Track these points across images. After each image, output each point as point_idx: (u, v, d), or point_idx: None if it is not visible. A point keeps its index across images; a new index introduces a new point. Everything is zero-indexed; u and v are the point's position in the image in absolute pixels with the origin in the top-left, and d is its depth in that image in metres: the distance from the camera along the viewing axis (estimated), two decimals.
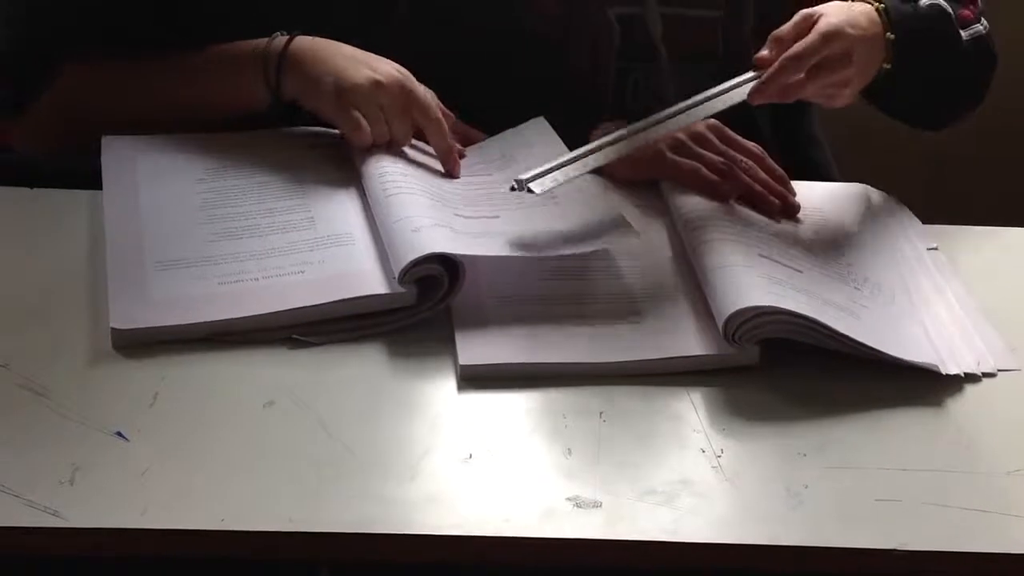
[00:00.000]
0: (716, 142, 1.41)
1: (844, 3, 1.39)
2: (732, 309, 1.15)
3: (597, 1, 1.52)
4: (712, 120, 1.42)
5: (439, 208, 1.27)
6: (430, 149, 1.38)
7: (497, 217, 1.29)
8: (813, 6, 1.38)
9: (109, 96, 1.40)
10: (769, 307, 1.15)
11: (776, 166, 1.42)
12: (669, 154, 1.39)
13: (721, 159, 1.39)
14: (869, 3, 1.40)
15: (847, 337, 1.16)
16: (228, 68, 1.40)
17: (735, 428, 1.11)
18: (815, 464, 1.07)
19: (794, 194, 1.40)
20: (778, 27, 1.37)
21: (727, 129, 1.43)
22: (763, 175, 1.40)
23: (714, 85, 1.36)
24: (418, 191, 1.28)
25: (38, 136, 1.42)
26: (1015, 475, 1.08)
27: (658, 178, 1.41)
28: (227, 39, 1.40)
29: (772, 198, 1.37)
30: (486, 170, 1.38)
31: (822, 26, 1.33)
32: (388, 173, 1.30)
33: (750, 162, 1.40)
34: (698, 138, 1.41)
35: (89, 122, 1.36)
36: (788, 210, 1.38)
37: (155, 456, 1.03)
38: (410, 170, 1.33)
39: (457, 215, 1.27)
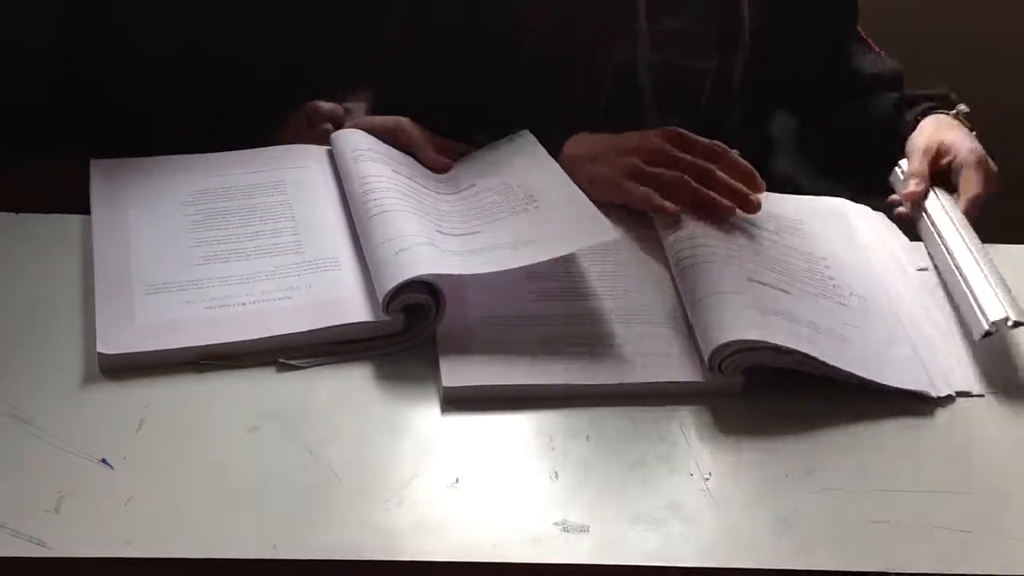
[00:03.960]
0: (675, 152, 1.37)
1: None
2: (719, 342, 1.14)
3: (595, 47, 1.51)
4: (671, 128, 1.39)
5: (423, 224, 1.26)
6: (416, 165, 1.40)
7: (479, 232, 1.28)
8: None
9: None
10: (756, 341, 1.14)
11: (740, 160, 1.38)
12: (624, 182, 1.36)
13: (675, 173, 1.35)
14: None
15: (837, 368, 1.15)
16: None
17: (723, 450, 1.10)
18: (803, 487, 1.07)
19: (760, 188, 1.37)
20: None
21: (687, 134, 1.39)
22: (723, 177, 1.35)
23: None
24: (402, 207, 1.28)
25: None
26: (1005, 497, 1.08)
27: (618, 204, 1.38)
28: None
29: (725, 202, 1.34)
30: (470, 181, 1.38)
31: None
32: (372, 191, 1.30)
33: (709, 165, 1.36)
34: (656, 154, 1.38)
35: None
36: (747, 208, 1.35)
37: (140, 483, 1.02)
38: (395, 184, 1.32)
39: (439, 232, 1.27)
